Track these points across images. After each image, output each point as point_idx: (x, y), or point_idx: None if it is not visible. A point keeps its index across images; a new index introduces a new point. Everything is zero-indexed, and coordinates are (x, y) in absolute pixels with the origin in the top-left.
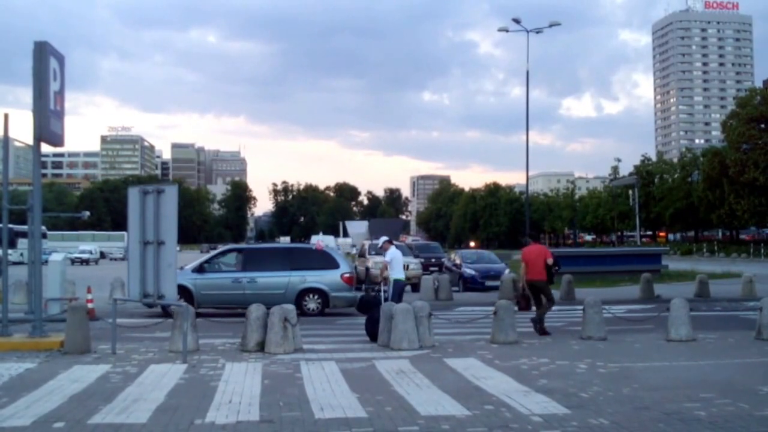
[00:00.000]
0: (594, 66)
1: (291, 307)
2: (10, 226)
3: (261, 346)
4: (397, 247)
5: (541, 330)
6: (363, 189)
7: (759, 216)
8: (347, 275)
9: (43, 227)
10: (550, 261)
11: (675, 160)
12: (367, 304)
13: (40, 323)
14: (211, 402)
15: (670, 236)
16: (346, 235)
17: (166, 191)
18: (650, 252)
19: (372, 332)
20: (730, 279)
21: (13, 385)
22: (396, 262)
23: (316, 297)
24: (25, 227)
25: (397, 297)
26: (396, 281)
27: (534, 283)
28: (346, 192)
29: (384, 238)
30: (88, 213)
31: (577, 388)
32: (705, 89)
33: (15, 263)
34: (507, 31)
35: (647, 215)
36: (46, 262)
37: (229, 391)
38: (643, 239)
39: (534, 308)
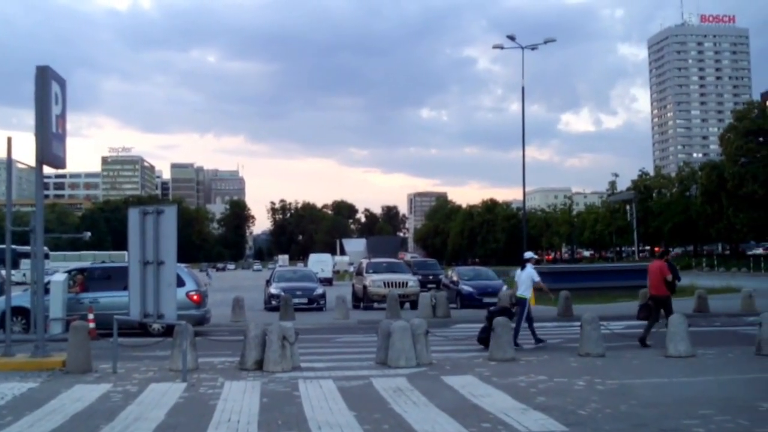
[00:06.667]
0: (592, 80)
1: (289, 325)
2: (13, 246)
3: (259, 365)
4: (396, 264)
5: (641, 341)
6: (361, 207)
7: (758, 230)
8: (193, 293)
9: (45, 248)
10: (669, 278)
11: (673, 174)
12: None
13: (43, 343)
14: (210, 420)
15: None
16: (343, 253)
17: (165, 211)
18: None
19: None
20: (730, 294)
21: (16, 404)
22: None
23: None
24: (27, 248)
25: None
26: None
27: (654, 297)
28: (343, 210)
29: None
30: (89, 234)
31: (575, 405)
32: (702, 103)
33: (18, 283)
34: (502, 48)
35: (646, 230)
36: (49, 282)
37: (228, 410)
38: (641, 254)
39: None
